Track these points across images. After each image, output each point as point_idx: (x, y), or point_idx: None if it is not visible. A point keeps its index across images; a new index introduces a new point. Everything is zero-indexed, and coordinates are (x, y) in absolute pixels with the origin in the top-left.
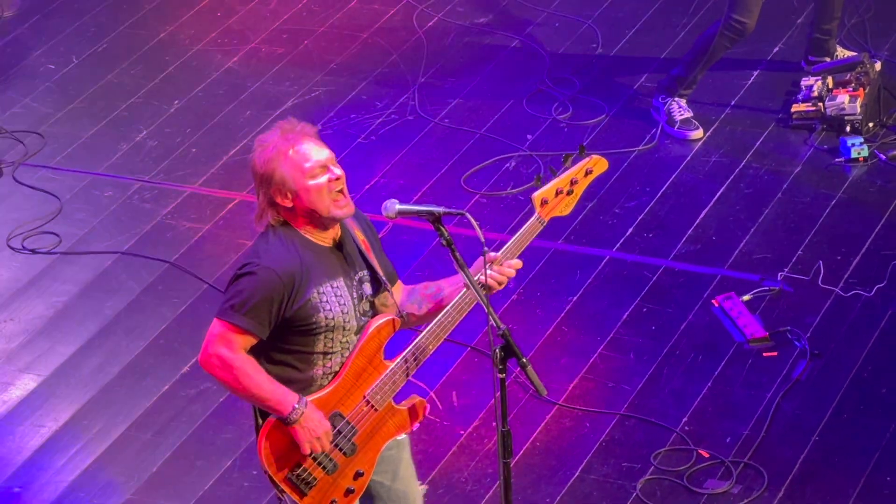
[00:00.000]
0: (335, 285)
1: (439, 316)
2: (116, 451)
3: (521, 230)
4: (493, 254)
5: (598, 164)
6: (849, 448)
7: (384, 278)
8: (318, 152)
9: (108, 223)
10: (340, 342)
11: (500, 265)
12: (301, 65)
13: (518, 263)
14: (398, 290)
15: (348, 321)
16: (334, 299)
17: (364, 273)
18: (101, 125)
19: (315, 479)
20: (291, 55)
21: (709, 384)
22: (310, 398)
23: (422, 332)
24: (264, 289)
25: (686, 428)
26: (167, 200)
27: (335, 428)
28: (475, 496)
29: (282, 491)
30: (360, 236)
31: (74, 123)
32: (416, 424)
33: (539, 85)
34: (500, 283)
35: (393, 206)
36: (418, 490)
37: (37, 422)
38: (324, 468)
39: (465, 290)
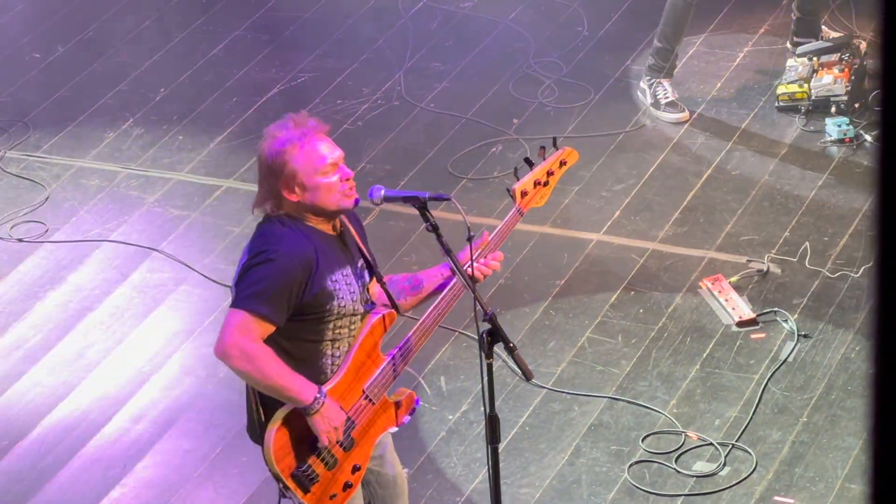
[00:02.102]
0: (345, 273)
1: (428, 311)
2: (107, 440)
3: (503, 222)
4: (488, 235)
5: (570, 155)
6: (837, 429)
7: (376, 267)
8: (331, 151)
9: (95, 211)
10: (349, 328)
11: (484, 258)
12: (286, 51)
13: (500, 255)
14: (374, 283)
15: (357, 308)
16: (345, 287)
17: (361, 261)
18: (87, 113)
19: (318, 475)
20: (277, 42)
21: (697, 366)
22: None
23: (414, 326)
24: (283, 276)
25: (674, 410)
26: (154, 188)
27: None
28: (464, 481)
29: (286, 488)
30: (350, 226)
31: (60, 112)
32: (407, 418)
33: (525, 69)
34: (484, 276)
35: (379, 192)
36: (403, 474)
37: (24, 413)
38: (325, 463)
39: (450, 285)
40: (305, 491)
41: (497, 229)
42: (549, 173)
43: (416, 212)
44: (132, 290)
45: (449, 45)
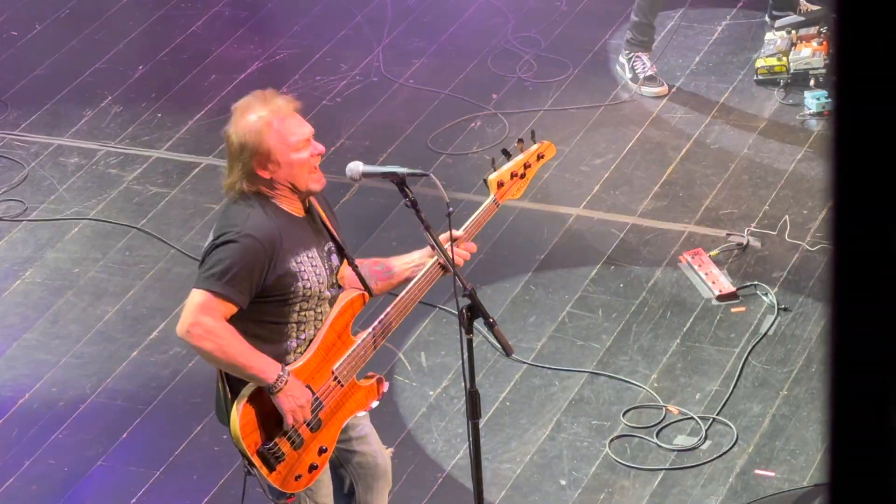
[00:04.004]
0: (310, 255)
1: (403, 293)
2: (86, 418)
3: (478, 212)
4: (458, 231)
5: (548, 149)
6: (817, 402)
7: (348, 251)
8: (302, 127)
9: (74, 189)
10: (315, 311)
11: (458, 247)
12: (265, 28)
13: (473, 247)
14: (345, 266)
15: (323, 291)
16: (311, 269)
17: (330, 244)
18: (65, 91)
19: (284, 453)
20: (255, 18)
21: (677, 340)
22: (289, 368)
23: (388, 308)
24: (246, 257)
25: (655, 385)
26: (133, 166)
27: None
28: (445, 456)
29: (251, 464)
30: (320, 210)
31: (39, 90)
32: (375, 402)
33: (503, 44)
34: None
35: (357, 168)
36: (387, 454)
37: (4, 390)
38: (292, 443)
39: (424, 268)
40: (271, 469)
41: (472, 219)
42: (527, 166)
43: (395, 188)
44: (112, 267)
45: (427, 20)
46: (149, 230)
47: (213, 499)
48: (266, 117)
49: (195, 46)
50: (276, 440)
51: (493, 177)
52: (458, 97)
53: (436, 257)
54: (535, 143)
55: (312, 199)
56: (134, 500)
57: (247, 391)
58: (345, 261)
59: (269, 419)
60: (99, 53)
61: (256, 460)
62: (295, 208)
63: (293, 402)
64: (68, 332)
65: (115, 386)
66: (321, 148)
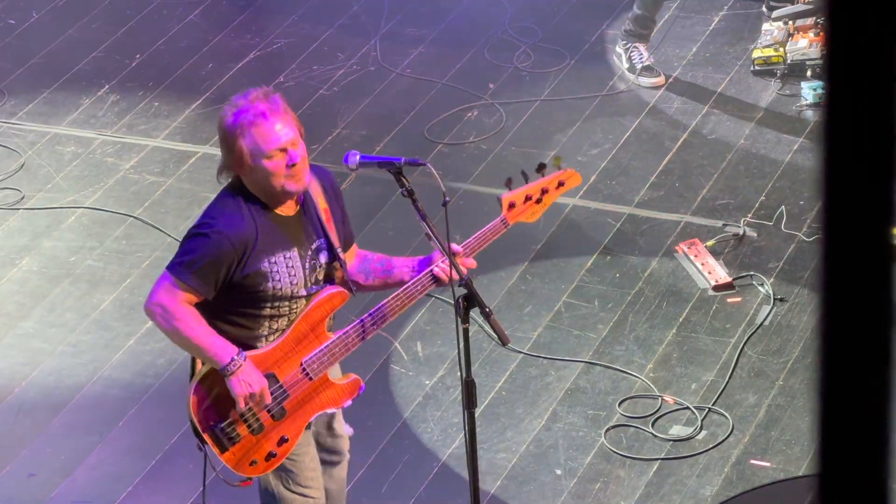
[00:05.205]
0: (288, 255)
1: (388, 298)
2: (82, 407)
3: (485, 229)
4: (456, 246)
5: (571, 178)
6: (812, 392)
7: (339, 249)
8: (279, 134)
9: (71, 178)
10: (289, 307)
11: (460, 260)
12: (262, 17)
13: (472, 264)
14: (351, 255)
15: (297, 291)
16: (285, 270)
17: (321, 242)
18: (62, 80)
19: (239, 436)
20: (252, 7)
21: (673, 331)
22: (248, 353)
23: (366, 314)
24: (214, 252)
25: (651, 375)
26: (130, 154)
27: None
28: (441, 446)
29: (203, 442)
30: (322, 204)
31: (35, 79)
32: (348, 401)
33: (500, 34)
34: (447, 277)
35: (354, 158)
36: (345, 430)
37: (0, 378)
38: (249, 427)
39: (416, 277)
40: (223, 449)
41: (475, 235)
42: (544, 191)
43: (392, 177)
44: (108, 256)
45: (424, 10)
46: (145, 219)
47: (208, 488)
48: (244, 120)
49: (192, 35)
50: (232, 422)
51: (505, 196)
52: (455, 87)
53: (430, 268)
54: (558, 169)
55: (315, 192)
56: (130, 489)
57: (205, 369)
58: (348, 250)
59: (228, 401)
60: (96, 42)
61: (208, 438)
62: (282, 207)
63: (245, 387)
64: (65, 321)
65: (111, 374)
66: (297, 157)
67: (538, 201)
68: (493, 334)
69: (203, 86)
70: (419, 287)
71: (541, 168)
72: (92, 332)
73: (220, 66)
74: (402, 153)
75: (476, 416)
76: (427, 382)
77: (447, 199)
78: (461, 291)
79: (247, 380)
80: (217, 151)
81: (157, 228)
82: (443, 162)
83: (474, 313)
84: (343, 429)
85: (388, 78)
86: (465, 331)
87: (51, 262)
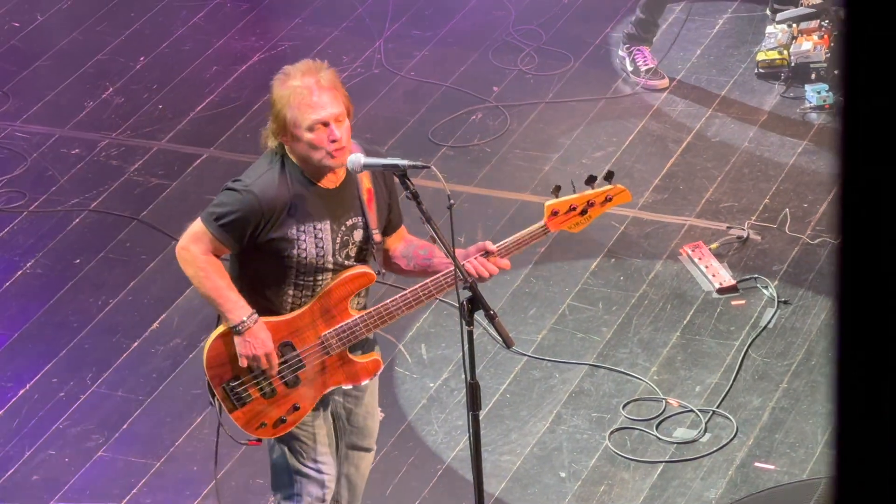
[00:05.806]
0: (318, 227)
1: (416, 287)
2: (86, 409)
3: (523, 232)
4: (491, 245)
5: (620, 194)
6: (817, 395)
7: (375, 230)
8: (326, 107)
9: (76, 181)
10: (314, 280)
11: (489, 261)
12: (266, 20)
13: (506, 265)
14: (398, 238)
15: (323, 264)
16: (312, 241)
17: (358, 220)
18: (66, 82)
19: (250, 396)
20: (257, 10)
21: (677, 333)
22: (264, 318)
23: (397, 295)
24: (241, 209)
25: (655, 377)
26: (134, 157)
27: (282, 356)
28: (445, 448)
29: (213, 395)
30: (366, 184)
31: (40, 81)
32: (367, 380)
33: (505, 36)
34: (480, 276)
35: (358, 160)
36: (377, 416)
37: (5, 381)
38: (261, 390)
39: (446, 270)
40: (232, 407)
41: (513, 237)
42: (590, 203)
43: (397, 180)
44: (113, 259)
45: (429, 13)
46: (150, 222)
47: (213, 489)
48: (295, 89)
49: (197, 38)
50: (244, 382)
51: (549, 203)
52: (460, 89)
53: (464, 262)
54: (608, 184)
55: (363, 173)
56: (134, 491)
57: (223, 327)
58: (396, 232)
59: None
60: (100, 44)
61: (220, 393)
62: (322, 179)
63: (249, 347)
64: (69, 323)
65: (115, 377)
66: (339, 133)
67: (583, 213)
68: (498, 337)
69: (208, 88)
70: (450, 280)
71: (591, 181)
72: (96, 335)
73: (224, 69)
74: (407, 156)
75: (480, 418)
76: (431, 385)
77: (451, 201)
78: (466, 294)
79: (251, 341)
80: (221, 154)
81: (162, 231)
82: (447, 164)
83: (479, 316)
84: (377, 409)
85: (392, 80)
86: (470, 333)
87: (55, 265)
